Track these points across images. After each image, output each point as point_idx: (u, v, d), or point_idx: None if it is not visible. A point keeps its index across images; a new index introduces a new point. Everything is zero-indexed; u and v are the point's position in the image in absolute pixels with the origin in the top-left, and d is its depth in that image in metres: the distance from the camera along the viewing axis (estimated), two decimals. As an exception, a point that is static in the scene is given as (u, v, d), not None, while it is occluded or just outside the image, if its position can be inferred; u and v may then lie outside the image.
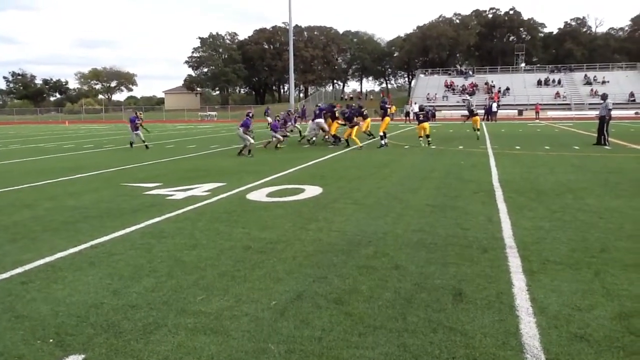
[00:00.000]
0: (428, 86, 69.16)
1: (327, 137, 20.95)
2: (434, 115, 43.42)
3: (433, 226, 6.53)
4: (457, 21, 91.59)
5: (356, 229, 6.43)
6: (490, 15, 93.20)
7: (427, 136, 19.54)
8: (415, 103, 51.20)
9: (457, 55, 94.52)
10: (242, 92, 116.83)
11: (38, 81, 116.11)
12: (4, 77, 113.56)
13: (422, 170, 12.25)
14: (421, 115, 19.99)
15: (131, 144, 20.96)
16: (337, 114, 20.75)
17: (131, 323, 3.74)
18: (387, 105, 21.41)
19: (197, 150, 19.27)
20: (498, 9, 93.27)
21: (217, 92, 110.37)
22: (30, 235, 6.46)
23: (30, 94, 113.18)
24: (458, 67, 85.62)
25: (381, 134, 19.69)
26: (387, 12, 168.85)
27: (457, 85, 69.22)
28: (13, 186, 10.73)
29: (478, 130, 24.09)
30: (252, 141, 17.15)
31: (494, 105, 50.35)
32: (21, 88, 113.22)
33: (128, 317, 3.85)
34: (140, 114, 21.47)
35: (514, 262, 4.96)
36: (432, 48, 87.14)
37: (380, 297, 4.12)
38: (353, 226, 6.62)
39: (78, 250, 5.68)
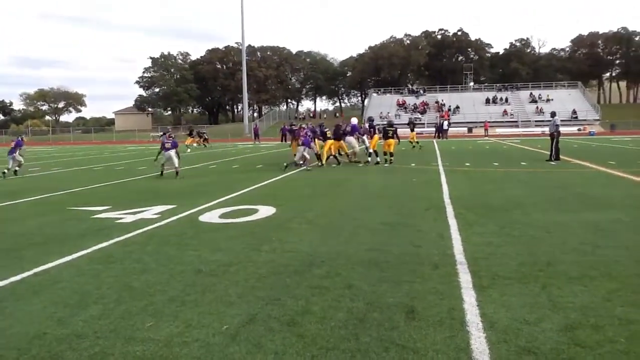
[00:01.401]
0: (381, 105, 70.24)
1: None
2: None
3: (386, 244, 6.57)
4: (408, 42, 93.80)
5: (309, 249, 6.41)
6: (439, 36, 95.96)
7: (391, 154, 19.38)
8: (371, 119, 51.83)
9: (409, 74, 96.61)
10: (195, 112, 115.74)
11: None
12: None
13: (375, 189, 12.37)
14: (390, 132, 19.59)
15: (3, 173, 17.92)
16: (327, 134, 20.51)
17: (76, 353, 3.60)
18: (374, 123, 21.65)
19: (148, 172, 18.87)
20: (447, 30, 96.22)
21: (169, 112, 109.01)
22: (-31, 264, 6.16)
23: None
24: (409, 86, 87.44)
25: (371, 151, 19.69)
26: (339, 32, 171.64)
27: (409, 104, 70.61)
28: (-49, 212, 10.25)
29: (417, 143, 28.77)
30: (177, 165, 16.68)
31: (445, 123, 51.55)
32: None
33: (73, 347, 3.71)
34: (24, 138, 20.28)
35: (465, 278, 5.03)
36: (383, 68, 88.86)
37: (333, 318, 4.11)
38: (306, 246, 6.59)
39: (20, 279, 5.44)
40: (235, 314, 4.26)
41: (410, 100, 72.32)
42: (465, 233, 7.10)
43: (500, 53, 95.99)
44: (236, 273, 5.44)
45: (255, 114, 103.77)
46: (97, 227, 8.26)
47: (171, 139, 17.47)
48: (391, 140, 19.47)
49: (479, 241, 6.62)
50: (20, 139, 19.70)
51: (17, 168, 18.83)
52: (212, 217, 8.89)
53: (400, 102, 71.16)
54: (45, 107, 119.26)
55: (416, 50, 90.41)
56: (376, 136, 20.40)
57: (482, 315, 4.06)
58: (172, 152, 16.72)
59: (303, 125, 20.75)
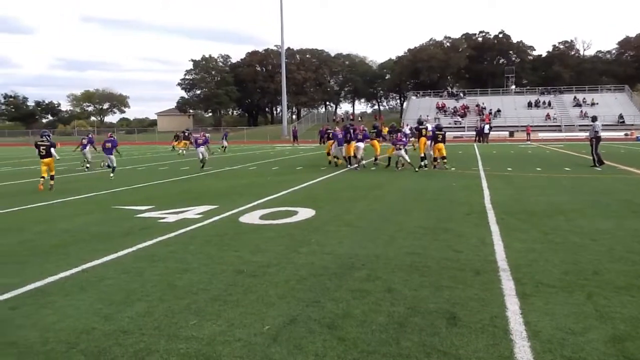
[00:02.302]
0: (420, 108, 69.57)
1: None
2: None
3: (426, 249, 6.53)
4: (448, 44, 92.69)
5: (349, 252, 6.42)
6: (480, 39, 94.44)
7: (443, 158, 18.89)
8: (407, 125, 51.50)
9: (448, 77, 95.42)
10: (234, 113, 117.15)
11: (30, 103, 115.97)
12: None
13: (414, 192, 12.28)
14: (439, 136, 18.95)
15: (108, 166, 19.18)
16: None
17: (122, 349, 3.70)
18: (421, 127, 20.26)
19: (189, 172, 19.23)
20: (488, 33, 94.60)
21: (210, 114, 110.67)
22: (20, 259, 6.40)
23: (21, 115, 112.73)
24: (449, 89, 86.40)
25: (422, 155, 19.40)
26: (378, 35, 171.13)
27: (449, 107, 69.81)
28: (3, 209, 10.65)
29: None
30: (206, 157, 21.23)
31: (486, 127, 50.80)
32: (13, 110, 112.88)
33: (119, 342, 3.81)
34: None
35: (507, 285, 4.95)
36: (422, 70, 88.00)
37: (374, 322, 4.10)
38: (346, 249, 6.60)
39: (69, 275, 5.63)
40: (276, 314, 4.30)
41: (450, 103, 71.48)
42: (508, 239, 6.98)
43: (543, 55, 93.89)
44: (276, 274, 5.50)
45: (294, 116, 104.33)
46: (141, 226, 8.46)
47: (204, 137, 21.77)
48: (441, 145, 18.84)
49: (521, 247, 6.50)
50: (112, 137, 19.95)
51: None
52: (252, 218, 8.99)
53: (440, 105, 70.42)
54: (90, 108, 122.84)
55: (456, 52, 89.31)
56: (423, 139, 19.70)
57: (526, 324, 3.98)
58: (202, 148, 21.15)
59: (362, 126, 20.88)
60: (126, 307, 4.56)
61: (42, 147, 14.55)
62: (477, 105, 68.79)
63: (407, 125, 51.36)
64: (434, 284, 5.03)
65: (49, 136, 15.11)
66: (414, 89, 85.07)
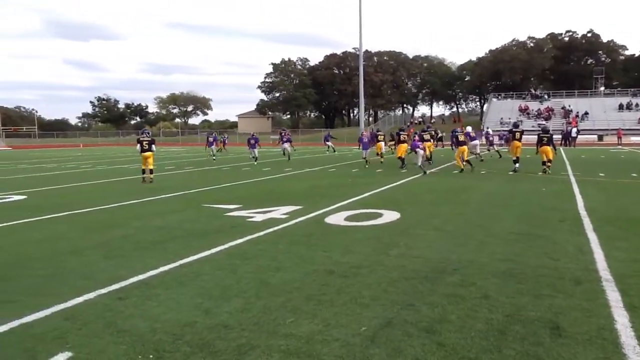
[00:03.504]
0: (501, 110, 67.46)
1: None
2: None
3: (520, 255, 6.32)
4: (531, 44, 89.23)
5: (439, 256, 6.33)
6: (566, 39, 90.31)
7: (549, 161, 17.82)
8: (488, 127, 50.01)
9: (531, 79, 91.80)
10: (312, 116, 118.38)
11: (120, 105, 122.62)
12: (90, 102, 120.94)
13: (501, 197, 11.93)
14: (545, 138, 18.01)
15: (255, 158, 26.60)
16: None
17: (225, 343, 3.82)
18: (515, 130, 19.56)
19: (272, 173, 19.63)
20: (575, 32, 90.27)
21: (288, 116, 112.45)
22: (124, 252, 6.78)
23: (113, 117, 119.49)
24: (532, 90, 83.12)
25: (514, 158, 19.00)
26: (458, 36, 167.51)
27: (532, 110, 67.17)
28: (103, 205, 11.30)
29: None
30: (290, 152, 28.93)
31: (574, 130, 48.53)
32: (105, 112, 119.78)
33: (222, 336, 3.94)
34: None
35: (613, 296, 4.71)
36: (504, 72, 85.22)
37: (472, 328, 4.02)
38: (435, 253, 6.52)
39: (168, 269, 5.89)
40: (372, 316, 4.30)
41: (533, 105, 68.75)
42: (607, 248, 6.64)
43: (636, 55, 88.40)
44: (367, 275, 5.50)
45: (371, 119, 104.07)
46: (231, 224, 8.72)
47: (288, 135, 29.50)
48: (547, 148, 17.82)
49: (624, 257, 6.17)
50: (253, 135, 27.65)
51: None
52: (337, 219, 9.05)
53: (523, 108, 67.85)
54: (175, 110, 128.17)
55: (540, 53, 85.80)
56: (517, 142, 18.94)
57: (639, 338, 3.77)
58: (287, 145, 29.04)
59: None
60: (224, 303, 4.72)
61: (144, 142, 16.42)
62: (563, 108, 65.74)
63: (488, 127, 49.88)
64: (532, 292, 4.87)
65: (149, 133, 17.43)
66: (495, 90, 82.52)
